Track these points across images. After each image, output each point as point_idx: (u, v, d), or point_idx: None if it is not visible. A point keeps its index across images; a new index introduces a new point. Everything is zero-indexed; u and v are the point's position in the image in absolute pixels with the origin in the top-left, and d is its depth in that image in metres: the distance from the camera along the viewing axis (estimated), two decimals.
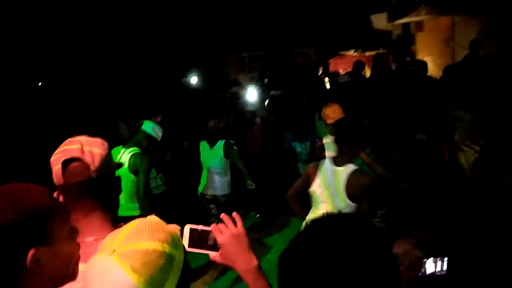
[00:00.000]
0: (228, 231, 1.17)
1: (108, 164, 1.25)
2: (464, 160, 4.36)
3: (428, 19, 9.61)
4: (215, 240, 1.17)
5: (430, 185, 4.37)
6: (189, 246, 1.16)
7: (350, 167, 2.72)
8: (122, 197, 3.48)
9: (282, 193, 3.13)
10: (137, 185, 3.31)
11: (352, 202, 2.69)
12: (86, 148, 1.22)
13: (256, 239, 4.89)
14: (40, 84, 9.70)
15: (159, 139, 3.64)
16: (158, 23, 10.84)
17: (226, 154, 4.24)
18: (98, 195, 1.22)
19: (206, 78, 8.86)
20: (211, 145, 4.29)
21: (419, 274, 1.51)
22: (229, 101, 6.61)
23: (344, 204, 2.70)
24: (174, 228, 1.02)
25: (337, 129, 2.89)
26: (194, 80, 8.32)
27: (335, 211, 2.75)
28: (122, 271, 0.86)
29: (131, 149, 3.44)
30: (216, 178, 4.34)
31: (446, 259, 1.56)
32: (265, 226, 5.34)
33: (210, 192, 4.37)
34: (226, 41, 11.42)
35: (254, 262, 1.16)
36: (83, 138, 1.26)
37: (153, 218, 1.01)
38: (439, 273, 1.55)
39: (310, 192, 2.86)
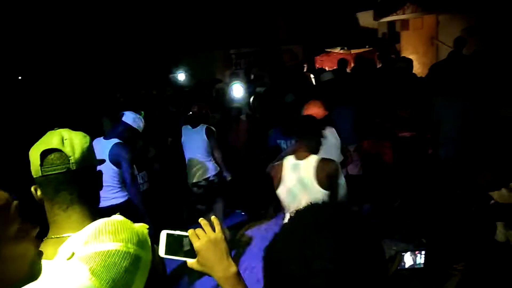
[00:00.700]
0: (205, 237, 1.12)
1: (89, 157, 1.21)
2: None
3: (413, 17, 9.71)
4: (192, 246, 1.12)
5: (414, 181, 4.43)
6: (166, 253, 1.12)
7: (313, 157, 2.77)
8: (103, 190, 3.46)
9: (267, 190, 3.12)
10: (123, 175, 3.29)
11: (324, 189, 2.72)
12: (66, 139, 1.17)
13: (241, 236, 4.89)
14: (19, 78, 9.51)
15: (140, 130, 3.59)
16: (145, 18, 10.72)
17: (208, 137, 4.30)
18: (78, 188, 1.17)
19: (192, 75, 8.79)
20: (193, 126, 4.36)
21: (398, 268, 1.52)
22: (215, 97, 6.57)
23: (318, 194, 2.72)
24: (141, 227, 0.99)
25: (302, 125, 2.91)
26: (181, 77, 8.25)
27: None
28: (80, 276, 0.81)
29: (111, 140, 3.39)
30: (200, 162, 4.37)
31: (423, 252, 1.57)
32: (251, 224, 5.34)
33: (195, 179, 4.39)
34: (213, 37, 11.35)
35: (233, 269, 1.11)
36: (64, 130, 1.21)
37: (117, 218, 0.98)
38: (417, 267, 1.56)
39: (278, 194, 2.84)
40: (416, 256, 1.57)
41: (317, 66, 10.16)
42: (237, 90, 6.08)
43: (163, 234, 1.13)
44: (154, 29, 10.84)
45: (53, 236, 1.11)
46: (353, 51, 10.34)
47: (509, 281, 2.64)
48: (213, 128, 4.37)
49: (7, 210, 0.91)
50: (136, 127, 3.55)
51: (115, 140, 3.39)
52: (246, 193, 5.34)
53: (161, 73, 9.72)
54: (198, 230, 1.14)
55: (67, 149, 1.15)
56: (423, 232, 4.03)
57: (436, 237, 3.68)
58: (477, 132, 4.12)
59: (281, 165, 2.84)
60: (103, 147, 3.35)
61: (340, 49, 10.76)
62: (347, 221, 0.78)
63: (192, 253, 1.13)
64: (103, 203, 3.26)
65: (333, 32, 11.44)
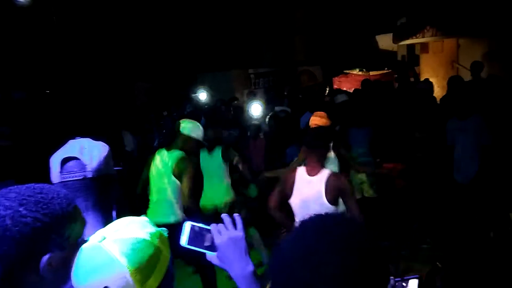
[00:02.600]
0: (226, 233, 1.15)
1: (106, 167, 1.27)
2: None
3: (433, 40, 9.70)
4: (213, 241, 1.15)
5: (431, 204, 4.38)
6: (188, 243, 1.15)
7: (325, 172, 2.80)
8: (159, 202, 3.35)
9: (283, 209, 3.14)
10: (184, 189, 3.30)
11: (332, 205, 2.76)
12: (85, 149, 1.24)
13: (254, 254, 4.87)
14: (48, 91, 9.86)
15: (201, 139, 3.62)
16: (165, 37, 11.03)
17: (225, 157, 4.27)
18: (93, 196, 1.23)
19: (211, 93, 8.96)
20: (209, 151, 4.36)
21: None
22: (233, 115, 6.67)
23: (328, 208, 2.75)
24: (163, 229, 1.05)
25: (310, 137, 2.96)
26: (203, 96, 8.38)
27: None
28: (111, 255, 0.88)
29: (175, 152, 3.40)
30: (216, 186, 4.36)
31: (417, 280, 1.56)
32: (265, 242, 5.31)
33: (210, 202, 4.35)
34: (232, 56, 11.56)
35: (250, 267, 1.14)
36: (84, 140, 1.29)
37: (143, 218, 1.04)
38: None
39: (291, 203, 2.90)
40: (414, 284, 1.55)
41: (335, 87, 10.21)
42: (256, 109, 6.17)
43: (187, 225, 1.16)
44: (174, 48, 11.12)
45: None
46: (372, 73, 10.37)
47: None
48: (230, 148, 4.36)
49: (84, 220, 1.03)
50: (195, 137, 3.53)
51: (179, 153, 3.38)
52: (261, 211, 5.34)
53: (179, 92, 9.91)
54: (221, 226, 1.16)
55: (85, 158, 1.23)
56: (440, 256, 3.96)
57: (454, 263, 3.61)
58: (492, 156, 4.07)
59: (294, 175, 2.88)
60: (167, 158, 3.39)
61: (359, 71, 10.81)
62: (351, 229, 0.80)
63: (212, 247, 1.15)
64: (160, 219, 3.27)
65: (352, 53, 11.52)
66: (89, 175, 1.22)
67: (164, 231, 1.08)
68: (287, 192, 2.89)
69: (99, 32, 10.28)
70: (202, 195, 4.43)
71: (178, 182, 3.34)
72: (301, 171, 2.87)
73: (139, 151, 5.48)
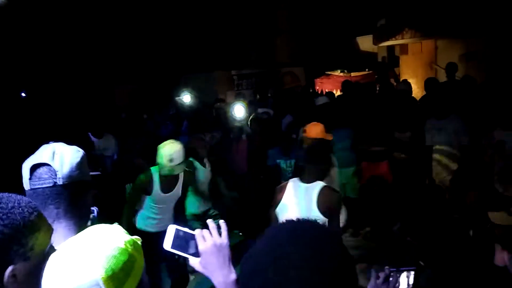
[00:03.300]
0: (211, 240, 1.14)
1: (79, 173, 1.22)
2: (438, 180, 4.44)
3: (412, 42, 9.89)
4: (197, 246, 1.14)
5: (412, 204, 4.44)
6: (171, 246, 1.13)
7: (319, 184, 2.79)
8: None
9: (266, 210, 3.13)
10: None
11: (324, 217, 2.74)
12: (57, 154, 1.20)
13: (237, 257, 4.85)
14: (23, 94, 9.64)
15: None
16: (147, 40, 10.92)
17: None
18: (64, 203, 1.18)
19: (194, 95, 8.90)
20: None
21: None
22: (215, 117, 6.63)
23: (316, 218, 2.73)
24: (136, 237, 1.03)
25: (309, 152, 2.94)
26: (187, 98, 8.31)
27: None
28: (84, 261, 0.86)
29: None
30: (191, 195, 4.25)
31: (413, 272, 1.58)
32: (249, 244, 5.30)
33: (193, 210, 4.30)
34: (215, 58, 11.53)
35: (232, 276, 1.12)
36: (57, 145, 1.24)
37: (116, 226, 1.02)
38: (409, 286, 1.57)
39: (276, 213, 2.84)
40: (409, 276, 1.58)
41: (317, 88, 10.29)
42: (239, 110, 6.15)
43: (172, 228, 1.15)
44: (156, 49, 11.02)
45: None
46: (353, 74, 10.49)
47: None
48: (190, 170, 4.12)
49: (50, 228, 1.01)
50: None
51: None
52: (244, 213, 5.33)
53: (162, 94, 9.82)
54: (205, 232, 1.15)
55: (56, 164, 1.18)
56: (422, 255, 4.02)
57: (436, 261, 3.66)
58: (470, 156, 4.16)
59: (284, 186, 2.86)
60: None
61: (340, 72, 10.92)
62: (322, 234, 0.81)
63: (195, 253, 1.14)
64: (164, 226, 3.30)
65: (334, 55, 11.63)
66: (60, 181, 1.17)
67: (138, 239, 1.06)
68: (277, 199, 2.87)
69: (80, 34, 10.11)
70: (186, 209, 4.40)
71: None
72: (293, 181, 2.86)
73: (119, 154, 5.38)
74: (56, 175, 1.17)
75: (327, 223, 2.75)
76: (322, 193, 2.73)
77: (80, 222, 1.23)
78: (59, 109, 7.57)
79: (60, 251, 0.92)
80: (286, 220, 0.85)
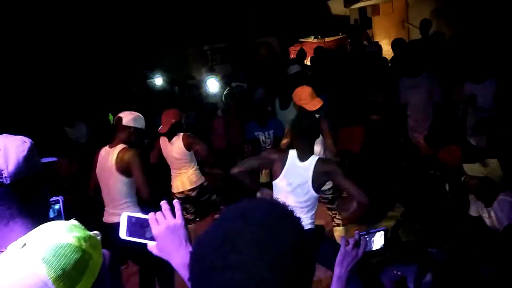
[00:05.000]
0: (164, 222, 1.11)
1: (28, 167, 1.14)
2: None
3: (383, 2, 9.80)
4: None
5: (389, 164, 4.51)
6: (127, 234, 1.12)
7: (313, 159, 2.81)
8: (109, 203, 3.13)
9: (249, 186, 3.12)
10: (138, 185, 3.08)
11: (316, 192, 2.79)
12: (1, 150, 1.11)
13: None
14: None
15: (144, 128, 3.37)
16: (114, 23, 10.53)
17: (187, 146, 4.14)
18: (16, 202, 1.11)
19: (167, 76, 8.68)
20: (170, 139, 4.20)
21: (366, 250, 1.54)
22: (188, 95, 6.51)
23: (308, 196, 2.79)
24: (95, 233, 0.99)
25: (298, 125, 2.92)
26: (159, 81, 8.14)
27: (294, 203, 2.76)
28: (31, 263, 0.83)
29: (117, 146, 3.16)
30: (182, 173, 4.24)
31: (383, 232, 1.60)
32: None
33: (178, 190, 4.25)
34: (185, 34, 11.22)
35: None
36: (0, 138, 1.15)
37: (72, 221, 0.98)
38: (381, 247, 1.60)
39: (274, 184, 2.90)
40: (380, 237, 1.60)
41: (292, 57, 10.17)
42: (212, 85, 6.04)
43: (124, 216, 1.13)
44: (122, 31, 10.65)
45: None
46: (327, 40, 10.39)
47: (482, 254, 2.72)
48: (189, 134, 4.18)
49: None
50: (140, 127, 3.30)
51: (122, 146, 3.15)
52: (227, 188, 5.33)
53: (134, 76, 9.56)
54: (158, 215, 1.13)
55: (0, 162, 1.10)
56: (401, 211, 4.11)
57: (414, 217, 3.76)
58: (443, 112, 4.21)
59: (285, 157, 2.86)
60: (110, 155, 3.15)
61: (314, 38, 10.80)
62: (271, 215, 0.76)
63: (152, 237, 1.13)
64: (109, 218, 3.15)
65: (306, 21, 11.46)
66: (7, 181, 1.09)
67: (97, 234, 1.02)
68: (274, 171, 2.89)
69: (46, 20, 9.67)
70: (172, 184, 4.35)
71: (125, 178, 3.14)
72: (292, 155, 2.85)
73: (89, 141, 5.25)
74: (1, 174, 1.09)
75: (315, 200, 2.83)
76: (317, 166, 2.76)
77: (38, 218, 1.18)
78: (27, 101, 7.31)
79: (6, 252, 0.88)
80: (239, 202, 0.81)
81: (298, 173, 2.80)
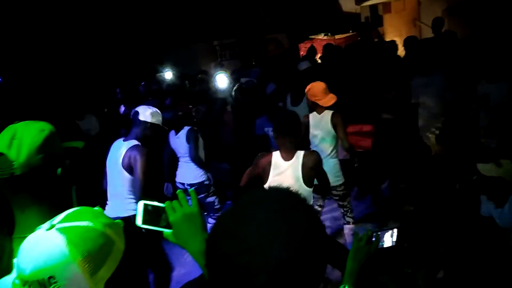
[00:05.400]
0: (180, 210, 1.13)
1: (43, 156, 1.16)
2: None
3: (395, 0, 9.71)
4: (168, 218, 1.14)
5: (399, 163, 4.48)
6: (143, 222, 1.14)
7: (299, 155, 2.79)
8: (112, 197, 3.14)
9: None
10: (135, 185, 3.02)
11: (309, 187, 2.78)
12: (15, 139, 1.12)
13: None
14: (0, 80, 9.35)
15: (161, 124, 3.31)
16: (122, 13, 10.55)
17: (189, 140, 4.15)
18: (29, 191, 1.13)
19: (176, 71, 8.69)
20: (177, 131, 4.23)
21: (378, 247, 1.54)
22: (198, 89, 6.51)
23: (303, 190, 2.75)
24: (117, 221, 1.01)
25: (279, 124, 2.88)
26: (168, 75, 8.15)
27: None
28: (58, 243, 0.85)
29: (129, 141, 3.13)
30: (185, 165, 4.28)
31: (395, 230, 1.60)
32: None
33: (179, 180, 4.30)
34: (196, 29, 11.23)
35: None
36: (19, 126, 1.16)
37: (97, 208, 1.00)
38: (392, 245, 1.59)
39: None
40: (392, 235, 1.59)
41: (302, 54, 10.13)
42: (221, 81, 6.04)
43: (140, 204, 1.14)
44: (135, 26, 10.67)
45: (17, 236, 1.10)
46: (337, 37, 10.33)
47: (493, 255, 2.70)
48: (195, 129, 4.17)
49: None
50: (156, 122, 3.25)
51: (133, 142, 3.11)
52: (235, 184, 5.34)
53: (145, 70, 9.59)
54: (175, 203, 1.15)
55: (12, 152, 1.12)
56: (411, 211, 4.10)
57: (424, 216, 3.74)
58: (456, 112, 4.16)
59: (269, 160, 2.83)
60: (121, 149, 3.11)
61: (324, 35, 10.74)
62: (284, 202, 0.78)
63: (168, 225, 1.14)
64: (110, 213, 3.14)
65: (316, 18, 11.40)
66: (17, 171, 1.11)
67: (120, 222, 1.04)
68: (262, 176, 2.85)
69: (57, 13, 9.73)
70: (176, 176, 4.38)
71: (128, 175, 3.09)
72: (276, 156, 2.83)
73: (99, 134, 5.28)
74: (12, 165, 1.11)
75: (309, 193, 2.81)
76: (304, 161, 2.75)
77: (55, 206, 1.18)
78: (38, 94, 7.36)
79: (34, 234, 0.90)
80: (253, 191, 0.83)
81: (286, 173, 2.77)
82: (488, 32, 6.25)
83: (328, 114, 3.72)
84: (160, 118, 3.31)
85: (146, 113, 3.22)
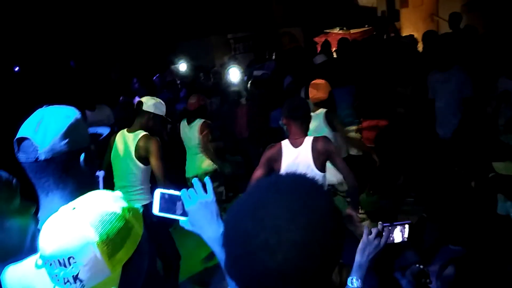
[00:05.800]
0: (196, 198, 1.15)
1: (67, 142, 1.16)
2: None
3: None
4: (184, 206, 1.16)
5: (415, 159, 4.43)
6: (159, 210, 1.16)
7: (308, 140, 2.79)
8: (123, 188, 3.15)
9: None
10: (156, 172, 3.04)
11: (321, 171, 2.77)
12: (42, 124, 1.14)
13: None
14: (17, 69, 9.49)
15: (164, 115, 3.35)
16: (141, 7, 10.60)
17: (201, 132, 4.16)
18: (53, 175, 1.14)
19: (190, 63, 8.73)
20: (189, 122, 4.23)
21: (388, 242, 1.54)
22: (212, 82, 6.53)
23: (314, 175, 2.73)
24: (137, 206, 1.02)
25: (289, 108, 2.87)
26: (183, 67, 8.20)
27: None
28: (79, 225, 0.87)
29: (137, 132, 3.15)
30: (195, 157, 4.29)
31: (407, 226, 1.58)
32: None
33: (188, 175, 4.29)
34: (210, 22, 11.22)
35: (221, 230, 1.13)
36: (48, 111, 1.18)
37: (117, 192, 1.01)
38: (404, 241, 1.58)
39: None
40: (403, 230, 1.57)
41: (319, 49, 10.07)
42: (234, 74, 6.04)
43: (157, 192, 1.17)
44: (150, 17, 10.71)
45: (41, 218, 1.12)
46: (352, 31, 10.22)
47: (509, 254, 2.66)
48: (209, 122, 4.19)
49: (10, 186, 1.02)
50: (159, 113, 3.28)
51: (142, 132, 3.13)
52: (249, 177, 5.34)
53: (158, 62, 9.63)
54: (191, 191, 1.17)
55: (38, 137, 1.12)
56: (425, 208, 4.05)
57: (438, 213, 3.69)
58: (473, 108, 4.09)
59: (279, 149, 2.83)
60: (129, 140, 3.14)
61: (339, 30, 10.64)
62: (303, 186, 0.80)
63: (184, 213, 1.16)
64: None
65: (332, 12, 11.29)
66: (42, 157, 1.12)
67: (139, 208, 1.05)
68: (275, 167, 2.84)
69: (73, 4, 9.82)
70: (186, 167, 4.40)
71: (142, 165, 3.13)
72: (285, 144, 2.82)
73: (114, 125, 5.32)
74: (37, 150, 1.12)
75: (323, 178, 2.80)
76: (314, 149, 2.74)
77: (77, 191, 1.19)
78: (53, 83, 7.45)
79: (55, 215, 0.92)
80: (269, 176, 0.86)
81: (298, 160, 2.76)
82: (508, 28, 6.11)
83: (321, 112, 3.75)
84: (164, 109, 3.34)
85: (150, 104, 3.24)
